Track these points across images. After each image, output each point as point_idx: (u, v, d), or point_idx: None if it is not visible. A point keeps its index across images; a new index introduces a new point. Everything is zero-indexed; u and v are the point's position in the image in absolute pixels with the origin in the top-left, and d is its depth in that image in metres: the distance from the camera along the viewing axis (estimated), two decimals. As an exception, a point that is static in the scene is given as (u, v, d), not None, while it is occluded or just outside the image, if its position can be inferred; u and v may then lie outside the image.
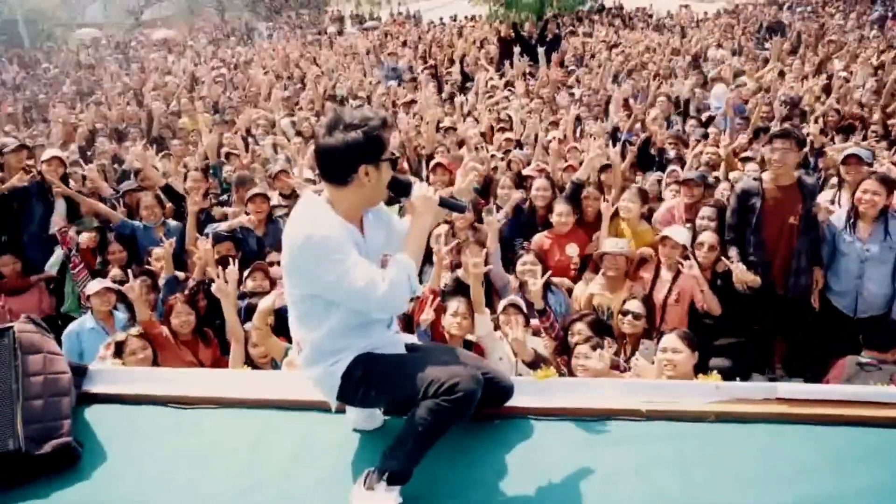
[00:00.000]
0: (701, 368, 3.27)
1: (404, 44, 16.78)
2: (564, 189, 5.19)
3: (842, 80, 9.31)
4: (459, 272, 4.24)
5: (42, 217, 5.41)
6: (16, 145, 5.58)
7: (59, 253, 5.06)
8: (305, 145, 7.09)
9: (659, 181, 5.81)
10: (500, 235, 4.41)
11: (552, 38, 13.67)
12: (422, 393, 2.00)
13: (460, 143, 6.96)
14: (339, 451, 2.33)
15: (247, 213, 5.27)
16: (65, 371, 2.47)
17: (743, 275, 4.11)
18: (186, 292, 4.37)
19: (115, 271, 4.77)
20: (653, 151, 6.56)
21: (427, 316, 3.78)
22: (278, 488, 2.21)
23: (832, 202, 4.87)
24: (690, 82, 9.83)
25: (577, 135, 7.61)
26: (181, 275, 4.76)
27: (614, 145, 5.88)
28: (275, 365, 3.70)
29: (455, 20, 23.19)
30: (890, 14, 18.63)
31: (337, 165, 2.03)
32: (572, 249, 4.80)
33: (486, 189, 5.75)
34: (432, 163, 5.92)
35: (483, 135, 7.40)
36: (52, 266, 5.07)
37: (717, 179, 5.58)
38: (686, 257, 4.25)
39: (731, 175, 5.63)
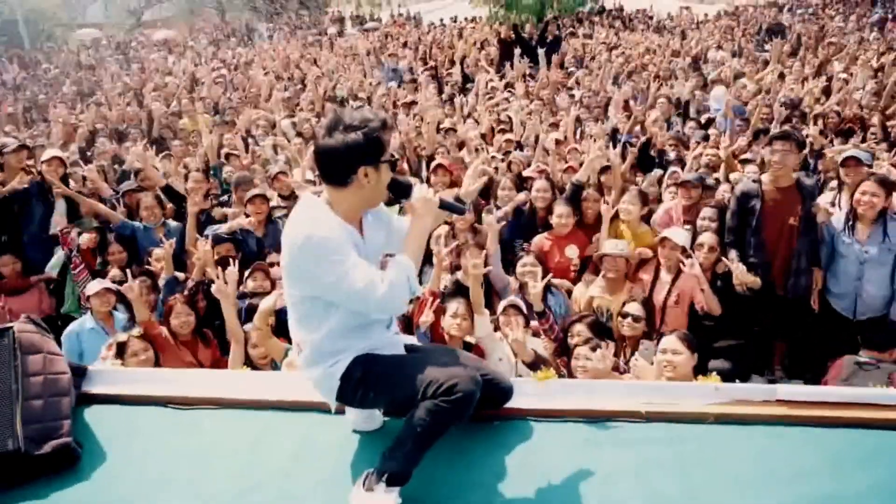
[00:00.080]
0: (700, 370, 3.28)
1: (405, 45, 16.79)
2: (564, 190, 5.20)
3: (841, 81, 9.32)
4: (459, 274, 4.24)
5: (42, 217, 5.41)
6: (16, 145, 5.58)
7: (59, 254, 5.06)
8: (306, 146, 7.09)
9: (659, 181, 5.81)
10: (500, 237, 4.41)
11: (552, 39, 13.69)
12: (421, 394, 2.00)
13: (460, 145, 6.97)
14: (339, 452, 2.33)
15: (246, 215, 5.27)
16: (64, 371, 2.47)
17: (743, 276, 4.11)
18: (186, 293, 4.38)
19: (114, 271, 4.77)
20: (653, 153, 6.57)
21: (427, 318, 3.78)
22: (278, 489, 2.20)
23: (832, 204, 4.87)
24: (690, 84, 9.84)
25: (578, 136, 7.61)
26: (181, 275, 4.77)
27: (614, 147, 5.89)
28: (274, 366, 3.71)
29: (455, 21, 23.21)
30: (890, 16, 18.65)
31: (336, 166, 2.03)
32: (572, 251, 4.81)
33: (486, 190, 5.76)
34: (433, 164, 5.93)
35: (483, 136, 7.41)
36: (52, 268, 5.08)
37: (718, 181, 5.59)
38: (686, 259, 4.25)
39: (732, 176, 5.63)
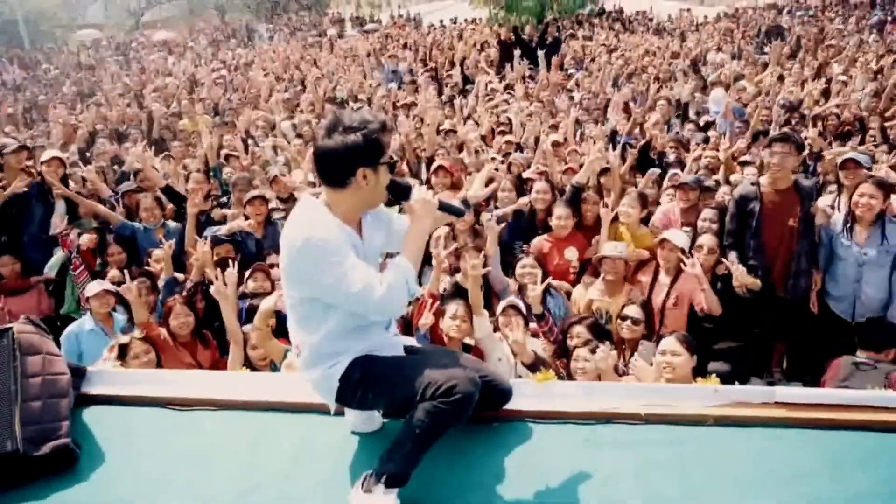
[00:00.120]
0: (699, 372, 3.28)
1: (405, 46, 16.80)
2: (564, 192, 5.20)
3: (840, 84, 9.33)
4: (459, 276, 4.24)
5: (42, 218, 5.41)
6: (16, 146, 5.58)
7: (59, 255, 5.06)
8: (306, 147, 7.10)
9: (658, 183, 5.81)
10: (499, 239, 4.41)
11: (552, 41, 13.71)
12: (419, 395, 2.00)
13: (460, 147, 6.97)
14: (338, 454, 2.33)
15: (245, 217, 5.27)
16: (63, 372, 2.46)
17: (743, 277, 4.12)
18: (184, 294, 4.37)
19: (113, 272, 4.77)
20: (653, 155, 6.57)
21: (426, 320, 3.78)
22: (277, 490, 2.20)
23: (832, 206, 4.87)
24: (689, 86, 9.85)
25: (577, 138, 7.62)
26: (180, 276, 4.77)
27: (613, 149, 5.89)
28: (274, 367, 3.70)
29: (455, 23, 23.23)
30: (889, 18, 18.68)
31: (335, 168, 2.03)
32: (571, 253, 4.81)
33: (485, 192, 5.76)
34: (434, 165, 5.93)
35: (483, 138, 7.42)
36: (51, 268, 5.08)
37: (718, 183, 5.59)
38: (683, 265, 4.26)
39: (733, 177, 5.64)
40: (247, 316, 4.04)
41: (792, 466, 2.18)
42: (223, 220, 5.49)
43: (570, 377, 3.46)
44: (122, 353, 3.58)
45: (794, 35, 15.45)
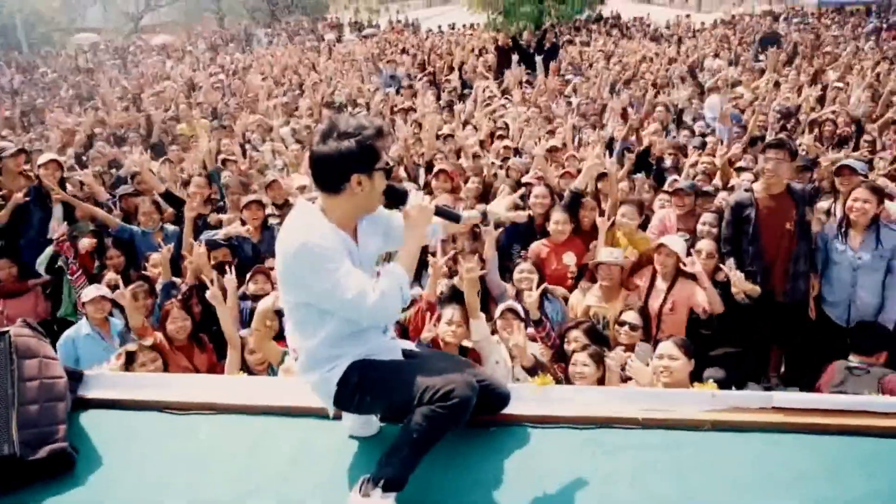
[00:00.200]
0: (695, 379, 3.29)
1: (403, 51, 16.86)
2: (562, 196, 5.21)
3: (836, 90, 9.38)
4: (456, 280, 4.24)
5: (40, 222, 5.40)
6: (14, 150, 5.58)
7: (47, 250, 5.04)
8: (303, 152, 7.11)
9: (653, 187, 5.83)
10: (497, 243, 4.42)
11: (550, 47, 13.77)
12: (417, 399, 2.01)
13: (458, 152, 6.99)
14: (336, 458, 2.33)
15: (242, 222, 5.27)
16: (60, 376, 2.46)
17: (741, 283, 4.13)
18: (179, 297, 4.37)
19: (110, 275, 4.76)
20: (651, 161, 6.60)
21: (429, 334, 3.76)
22: (275, 494, 2.20)
23: (828, 212, 4.90)
24: (686, 92, 9.90)
25: (575, 143, 7.64)
26: (178, 280, 4.76)
27: (611, 155, 5.90)
28: (272, 371, 3.70)
29: (454, 28, 23.31)
30: (885, 26, 18.81)
31: (330, 173, 2.03)
32: (569, 258, 4.81)
33: (485, 196, 5.78)
34: (435, 169, 5.94)
35: (481, 143, 7.43)
36: (41, 263, 5.06)
37: (717, 189, 5.62)
38: (683, 265, 4.27)
39: (733, 181, 5.67)
40: (249, 318, 4.03)
41: (789, 471, 2.19)
42: (219, 225, 5.48)
43: (568, 381, 3.46)
44: (130, 360, 3.56)
45: (791, 42, 15.56)
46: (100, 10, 38.43)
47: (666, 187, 5.66)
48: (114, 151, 8.21)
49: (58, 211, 5.46)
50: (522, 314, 3.82)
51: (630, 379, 3.49)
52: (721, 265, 4.32)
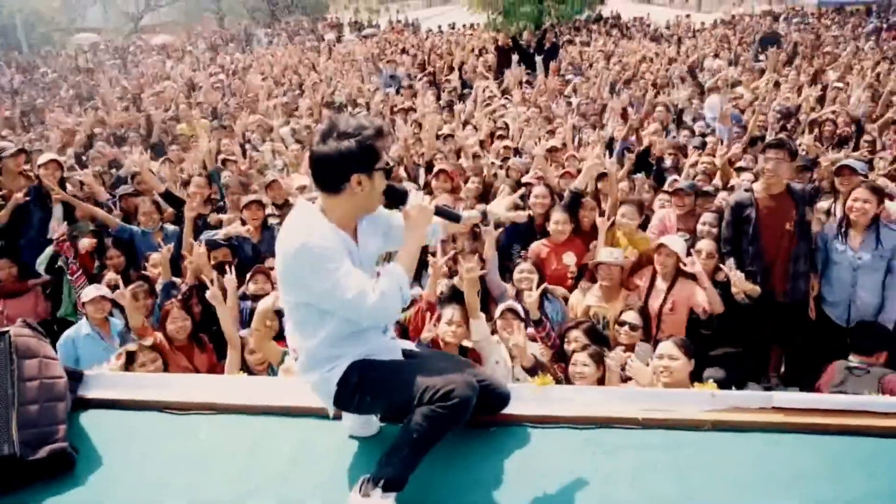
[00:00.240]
0: (695, 379, 3.29)
1: (403, 51, 16.86)
2: (562, 196, 5.21)
3: (836, 90, 9.38)
4: (456, 279, 4.24)
5: (40, 222, 5.40)
6: (14, 150, 5.58)
7: (48, 250, 5.04)
8: (303, 152, 7.11)
9: (653, 187, 5.83)
10: (497, 243, 4.42)
11: (550, 47, 13.77)
12: (417, 399, 2.01)
13: (458, 152, 6.99)
14: (336, 458, 2.33)
15: (242, 222, 5.27)
16: (60, 376, 2.46)
17: (742, 283, 4.13)
18: (179, 297, 4.37)
19: (110, 275, 4.76)
20: (651, 160, 6.60)
21: (429, 334, 3.77)
22: (275, 494, 2.20)
23: (828, 212, 4.90)
24: (686, 92, 9.89)
25: (576, 143, 7.64)
26: (178, 280, 4.76)
27: (611, 155, 5.90)
28: (272, 372, 3.70)
29: (454, 28, 23.32)
30: (885, 26, 18.81)
31: (330, 173, 2.03)
32: (569, 258, 4.81)
33: (485, 196, 5.78)
34: (436, 169, 5.95)
35: (481, 143, 7.43)
36: (41, 263, 5.06)
37: (717, 189, 5.62)
38: (683, 265, 4.27)
39: (734, 181, 5.66)
40: (249, 318, 4.03)
41: (789, 471, 2.19)
42: (219, 225, 5.49)
43: (568, 381, 3.47)
44: (130, 360, 3.56)
45: (791, 42, 15.55)
46: (100, 11, 38.44)
47: (666, 187, 5.66)
48: (114, 151, 8.21)
49: (58, 211, 5.46)
50: (522, 314, 3.82)
51: (630, 379, 3.49)
52: (721, 265, 4.32)
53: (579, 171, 5.39)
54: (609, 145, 7.14)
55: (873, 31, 18.14)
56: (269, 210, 5.63)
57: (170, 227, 5.51)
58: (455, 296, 3.93)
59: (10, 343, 2.35)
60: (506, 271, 4.54)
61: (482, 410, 2.25)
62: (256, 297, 4.22)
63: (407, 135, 7.18)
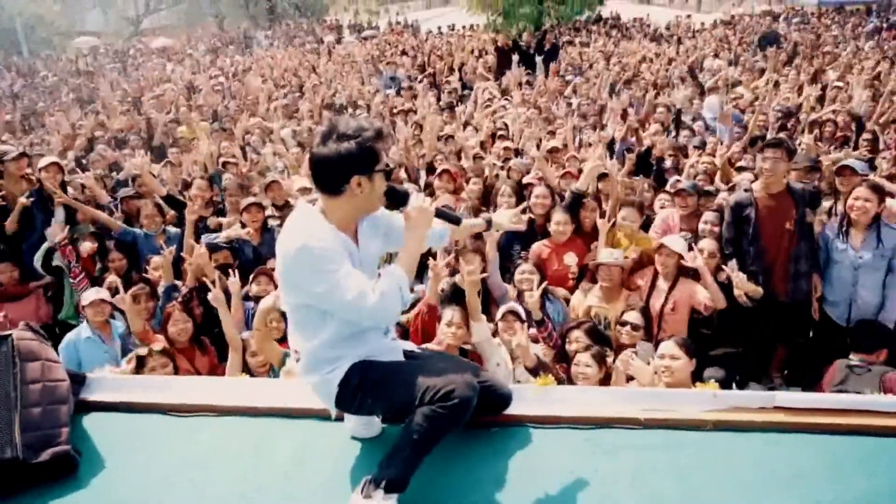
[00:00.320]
0: (696, 378, 3.29)
1: (403, 53, 16.87)
2: (563, 197, 5.21)
3: (836, 90, 9.38)
4: (457, 277, 4.23)
5: (43, 225, 5.40)
6: (16, 153, 5.58)
7: (43, 247, 5.05)
8: (304, 155, 7.11)
9: (652, 186, 5.83)
10: (497, 244, 4.42)
11: (550, 47, 13.79)
12: (418, 400, 2.01)
13: (458, 153, 6.99)
14: (338, 459, 2.33)
15: (242, 224, 5.28)
16: (63, 379, 2.46)
17: (743, 284, 4.13)
18: (180, 300, 4.37)
19: (111, 278, 4.77)
20: (652, 161, 6.60)
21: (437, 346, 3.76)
22: (277, 495, 2.20)
23: (829, 212, 4.89)
24: (685, 92, 9.89)
25: (576, 144, 7.64)
26: (180, 283, 4.76)
27: (611, 156, 5.90)
28: (273, 374, 3.70)
29: (453, 30, 23.34)
30: (885, 25, 18.81)
31: (330, 175, 2.04)
32: (570, 259, 4.81)
33: (486, 197, 5.78)
34: (439, 169, 5.95)
35: (482, 144, 7.44)
36: (37, 259, 5.06)
37: (718, 189, 5.61)
38: (683, 266, 4.27)
39: (735, 179, 5.66)
40: (252, 319, 4.03)
41: (791, 470, 2.19)
42: (219, 228, 5.49)
43: (570, 382, 3.47)
44: (140, 364, 3.55)
45: (792, 42, 15.55)
46: (100, 14, 38.52)
47: (668, 188, 5.66)
48: (114, 155, 8.22)
49: (59, 214, 5.46)
50: (524, 316, 3.83)
51: (633, 379, 3.49)
52: (723, 266, 4.32)
53: (580, 172, 5.40)
54: (610, 146, 7.14)
55: (873, 30, 18.15)
56: (269, 212, 5.63)
57: (172, 230, 5.52)
58: (456, 296, 3.93)
59: (12, 346, 2.36)
60: (506, 272, 4.54)
61: (484, 411, 2.25)
62: (259, 299, 4.22)
63: (407, 136, 7.18)
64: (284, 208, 5.66)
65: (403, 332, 4.00)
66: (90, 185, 6.03)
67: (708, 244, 4.44)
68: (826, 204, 4.99)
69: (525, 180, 5.82)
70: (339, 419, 2.43)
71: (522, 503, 2.13)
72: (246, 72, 16.06)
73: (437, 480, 2.18)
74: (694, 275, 4.27)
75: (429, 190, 5.90)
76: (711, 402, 2.46)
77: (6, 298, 5.04)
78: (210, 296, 3.89)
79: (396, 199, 2.16)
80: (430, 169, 6.63)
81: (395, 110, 9.69)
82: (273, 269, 4.56)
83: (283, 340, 3.63)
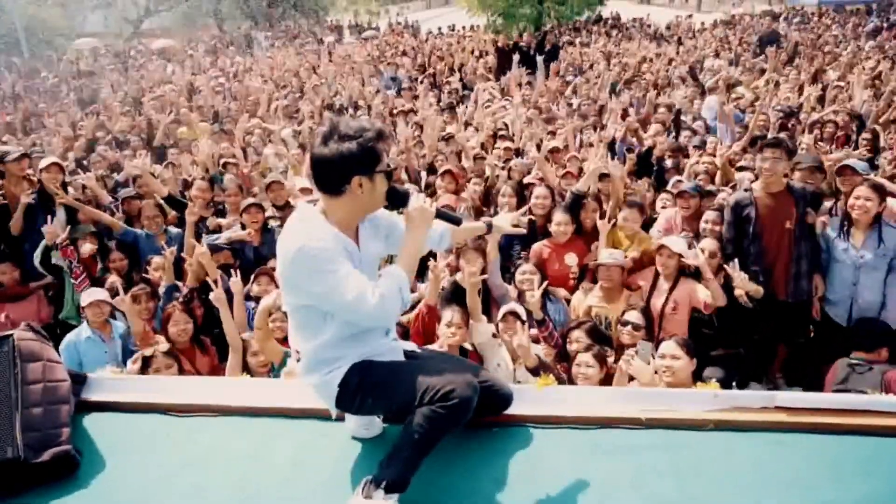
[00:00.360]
0: (696, 378, 3.29)
1: (403, 53, 16.88)
2: (563, 197, 5.21)
3: (837, 89, 9.37)
4: (458, 276, 4.23)
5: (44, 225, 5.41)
6: (18, 154, 5.58)
7: (41, 244, 5.05)
8: (305, 155, 7.10)
9: (653, 185, 5.83)
10: (498, 244, 4.41)
11: (550, 48, 13.79)
12: (418, 400, 2.01)
13: (459, 153, 6.99)
14: (338, 459, 2.33)
15: (242, 227, 5.28)
16: (64, 379, 2.47)
17: (745, 284, 4.12)
18: (180, 300, 4.37)
19: (112, 278, 4.77)
20: (653, 162, 6.60)
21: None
22: (277, 496, 2.21)
23: (831, 211, 4.89)
24: (686, 92, 9.89)
25: (577, 144, 7.64)
26: (181, 283, 4.77)
27: (612, 156, 5.90)
28: (274, 374, 3.70)
29: (454, 30, 23.35)
30: (885, 25, 18.80)
31: (331, 176, 2.03)
32: (571, 259, 4.81)
33: (486, 197, 5.78)
34: (442, 169, 5.95)
35: (483, 144, 7.43)
36: (36, 257, 5.07)
37: (719, 189, 5.61)
38: (684, 266, 4.27)
39: (737, 177, 5.66)
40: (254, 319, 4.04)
41: (792, 471, 2.19)
42: (218, 229, 5.49)
43: (571, 382, 3.47)
44: (145, 365, 3.55)
45: (792, 41, 15.53)
46: (100, 16, 38.53)
47: (669, 188, 5.66)
48: (115, 155, 8.22)
49: (61, 214, 5.46)
50: (524, 316, 3.82)
51: (634, 379, 3.49)
52: (725, 266, 4.32)
53: (580, 172, 5.39)
54: (611, 146, 7.14)
55: (874, 30, 18.13)
56: (269, 213, 5.63)
57: (173, 230, 5.52)
58: (456, 296, 3.93)
59: (13, 347, 2.36)
60: (507, 272, 4.54)
61: (485, 411, 2.25)
62: (260, 299, 4.22)
63: (408, 137, 7.18)
64: (285, 209, 5.66)
65: (404, 332, 4.00)
66: (91, 186, 6.04)
67: (709, 244, 4.44)
68: (827, 204, 4.99)
69: (526, 181, 5.82)
70: (340, 419, 2.43)
71: (523, 503, 2.13)
72: (246, 73, 16.06)
73: (437, 480, 2.18)
74: (695, 275, 4.26)
75: (430, 190, 5.90)
76: (712, 402, 2.46)
77: (7, 299, 5.05)
78: (212, 295, 3.89)
79: (397, 200, 2.16)
80: (431, 169, 6.63)
81: (395, 111, 9.68)
82: (274, 269, 4.56)
83: (285, 340, 3.63)
